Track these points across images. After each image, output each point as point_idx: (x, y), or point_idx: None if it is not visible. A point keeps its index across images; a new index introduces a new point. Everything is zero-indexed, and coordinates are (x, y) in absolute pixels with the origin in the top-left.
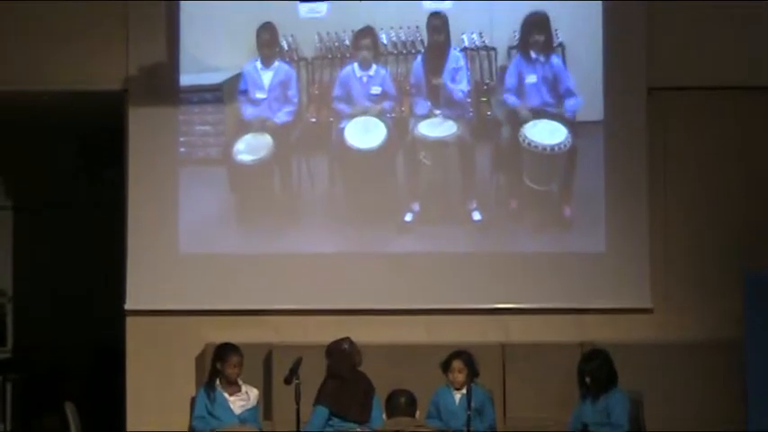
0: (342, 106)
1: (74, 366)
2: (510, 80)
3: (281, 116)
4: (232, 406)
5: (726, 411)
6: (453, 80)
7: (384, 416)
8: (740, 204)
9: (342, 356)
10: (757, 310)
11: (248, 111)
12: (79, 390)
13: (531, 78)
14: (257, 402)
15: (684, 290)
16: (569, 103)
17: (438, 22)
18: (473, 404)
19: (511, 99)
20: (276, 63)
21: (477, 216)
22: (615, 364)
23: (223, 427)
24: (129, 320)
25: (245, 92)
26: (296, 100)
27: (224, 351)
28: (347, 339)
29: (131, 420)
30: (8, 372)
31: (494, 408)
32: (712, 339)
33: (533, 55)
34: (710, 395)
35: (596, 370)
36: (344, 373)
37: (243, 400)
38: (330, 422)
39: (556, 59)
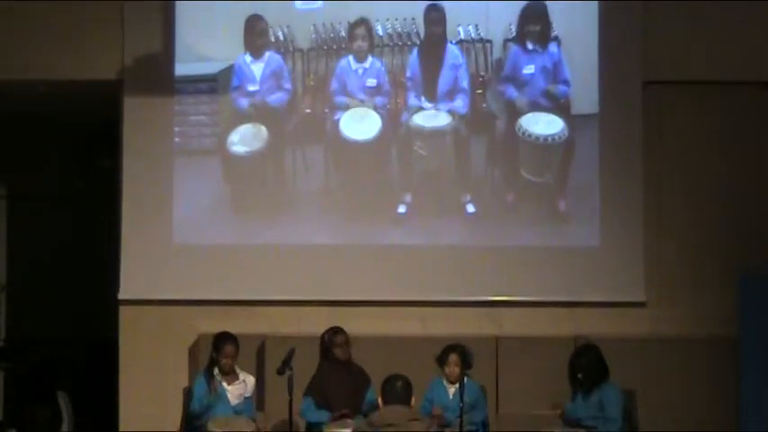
0: (339, 99)
1: (67, 356)
2: (507, 71)
3: (275, 99)
4: (229, 395)
5: (718, 406)
6: (456, 78)
7: (380, 401)
8: (735, 200)
9: (331, 347)
10: (752, 310)
11: (243, 102)
12: (72, 380)
13: (528, 69)
14: (252, 392)
15: (678, 284)
16: (563, 90)
17: (436, 15)
18: (467, 399)
19: (508, 91)
20: (267, 54)
21: (471, 209)
22: (608, 358)
23: (218, 417)
24: (123, 310)
25: (237, 87)
26: (289, 87)
27: (219, 341)
28: (338, 329)
29: (124, 410)
30: (1, 361)
31: (486, 403)
32: (705, 334)
33: (530, 46)
34: (703, 389)
35: (587, 365)
36: (334, 365)
37: (240, 388)
38: (321, 412)
39: (554, 48)
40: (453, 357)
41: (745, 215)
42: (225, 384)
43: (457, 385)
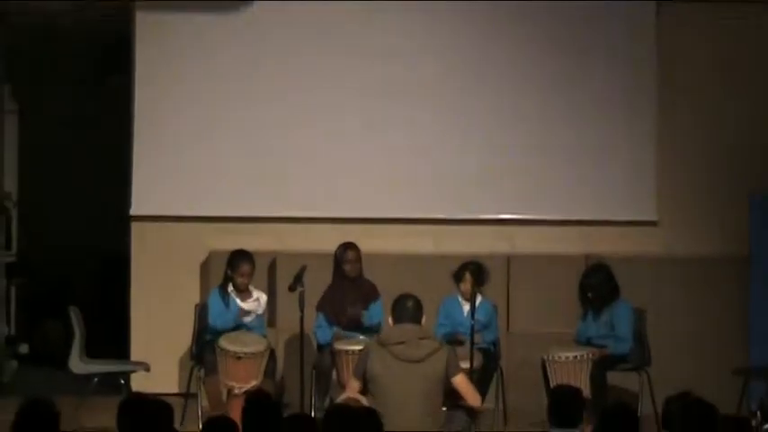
0: None
1: (79, 272)
2: None
3: None
4: (243, 313)
5: (729, 325)
6: None
7: (390, 320)
8: (749, 121)
9: (342, 263)
10: (763, 229)
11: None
12: (84, 295)
13: None
14: (264, 309)
15: (690, 203)
16: None
17: None
18: (481, 318)
19: None
20: None
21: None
22: (620, 277)
23: (230, 333)
24: (134, 227)
25: None
26: None
27: (235, 259)
28: (349, 245)
29: (135, 326)
30: (13, 276)
31: (497, 321)
32: (717, 253)
33: None
34: (714, 308)
35: (598, 285)
36: (345, 281)
37: (253, 305)
38: (332, 328)
39: None
40: (469, 274)
41: (758, 133)
42: (238, 301)
43: None
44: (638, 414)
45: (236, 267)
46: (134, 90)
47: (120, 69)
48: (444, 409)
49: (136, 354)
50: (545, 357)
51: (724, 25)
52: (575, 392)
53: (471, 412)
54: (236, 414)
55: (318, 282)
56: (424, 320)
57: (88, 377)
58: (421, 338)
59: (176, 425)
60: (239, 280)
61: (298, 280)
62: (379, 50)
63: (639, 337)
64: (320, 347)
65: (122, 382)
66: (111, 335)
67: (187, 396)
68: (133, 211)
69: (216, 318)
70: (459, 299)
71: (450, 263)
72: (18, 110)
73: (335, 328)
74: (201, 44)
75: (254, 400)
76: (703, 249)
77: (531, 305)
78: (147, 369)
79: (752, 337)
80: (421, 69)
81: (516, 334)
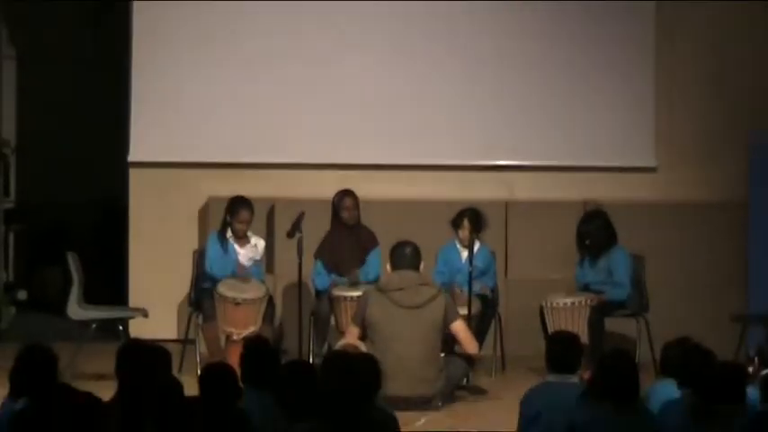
0: None
1: (77, 218)
2: None
3: None
4: (241, 258)
5: (728, 271)
6: None
7: (388, 267)
8: (750, 66)
9: (339, 210)
10: (762, 173)
11: None
12: (82, 241)
13: None
14: (262, 256)
15: (689, 149)
16: None
17: None
18: (479, 264)
19: None
20: None
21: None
22: (618, 224)
23: (228, 280)
24: (133, 172)
25: None
26: None
27: (235, 205)
28: (346, 192)
29: (134, 272)
30: (11, 222)
31: (495, 268)
32: (716, 199)
33: None
34: (713, 255)
35: (595, 231)
36: (342, 228)
37: (252, 251)
38: (331, 275)
39: None
40: (467, 221)
41: (758, 77)
42: (237, 247)
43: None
44: (636, 360)
45: (235, 214)
46: (132, 35)
47: (117, 10)
48: (443, 355)
49: (134, 300)
50: (543, 303)
51: None
52: (572, 338)
53: (469, 358)
54: (234, 360)
55: (317, 228)
56: (422, 267)
57: (86, 323)
58: (420, 285)
59: (174, 371)
60: (238, 227)
61: (296, 226)
62: None
63: (637, 284)
64: (318, 294)
65: (120, 328)
66: (110, 281)
67: (185, 342)
68: (131, 157)
69: (213, 264)
70: (458, 245)
71: (448, 209)
72: (16, 55)
73: (334, 277)
74: None
75: (253, 347)
76: (702, 195)
77: (530, 252)
78: (146, 315)
79: (750, 283)
80: (421, 16)
81: (514, 280)
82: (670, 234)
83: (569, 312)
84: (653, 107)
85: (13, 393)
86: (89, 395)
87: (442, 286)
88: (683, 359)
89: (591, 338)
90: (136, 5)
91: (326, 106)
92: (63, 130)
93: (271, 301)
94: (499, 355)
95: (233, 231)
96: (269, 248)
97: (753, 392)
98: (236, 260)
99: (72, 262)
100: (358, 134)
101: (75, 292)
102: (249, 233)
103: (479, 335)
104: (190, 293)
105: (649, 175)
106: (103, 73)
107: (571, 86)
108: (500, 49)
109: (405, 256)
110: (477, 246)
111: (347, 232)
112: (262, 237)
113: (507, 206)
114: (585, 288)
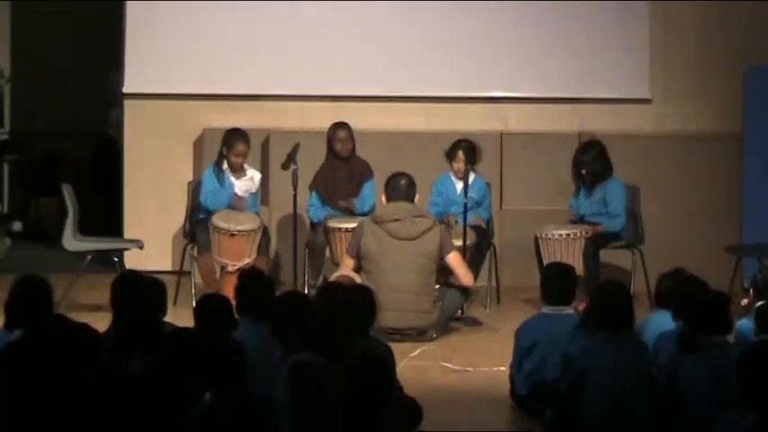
0: None
1: (72, 149)
2: None
3: None
4: (236, 190)
5: (722, 202)
6: None
7: (383, 198)
8: None
9: (333, 142)
10: (757, 103)
11: None
12: (77, 173)
13: None
14: (258, 188)
15: (683, 80)
16: None
17: None
18: (474, 195)
19: None
20: None
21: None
22: (613, 155)
23: (223, 211)
24: (127, 103)
25: None
26: None
27: (231, 138)
28: (340, 124)
29: (128, 203)
30: (6, 153)
31: (491, 199)
32: (711, 130)
33: None
34: (708, 186)
35: (591, 162)
36: (337, 160)
37: (247, 183)
38: (325, 207)
39: None
40: (462, 153)
41: (753, 6)
42: (232, 179)
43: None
44: (631, 291)
45: (231, 146)
46: None
47: None
48: (438, 286)
49: (129, 231)
50: (538, 235)
51: None
52: (567, 270)
53: (464, 290)
54: (229, 291)
55: (312, 160)
56: (417, 199)
57: (82, 254)
58: (415, 216)
59: (170, 302)
60: (234, 159)
61: (291, 158)
62: None
63: (633, 215)
64: (313, 225)
65: (116, 259)
66: (105, 212)
67: (180, 273)
68: (126, 89)
69: (209, 196)
70: (452, 177)
71: (442, 141)
72: None
73: (328, 210)
74: None
75: (248, 278)
76: (697, 126)
77: (524, 183)
78: (141, 246)
79: (744, 213)
80: None
81: (509, 211)
82: (665, 166)
83: (564, 244)
84: (648, 38)
85: (9, 324)
86: (84, 326)
87: (437, 217)
88: (677, 290)
89: (586, 270)
90: None
91: (321, 38)
92: (58, 60)
93: (266, 233)
94: (494, 287)
95: (229, 164)
96: (263, 180)
97: (747, 324)
98: (233, 192)
99: (67, 193)
100: (353, 66)
101: (70, 223)
102: (246, 165)
103: (474, 266)
104: (185, 225)
105: (644, 106)
106: (99, 2)
107: (566, 18)
108: None
109: (400, 187)
110: (471, 177)
111: (342, 164)
112: (257, 168)
113: (502, 137)
114: (581, 219)
